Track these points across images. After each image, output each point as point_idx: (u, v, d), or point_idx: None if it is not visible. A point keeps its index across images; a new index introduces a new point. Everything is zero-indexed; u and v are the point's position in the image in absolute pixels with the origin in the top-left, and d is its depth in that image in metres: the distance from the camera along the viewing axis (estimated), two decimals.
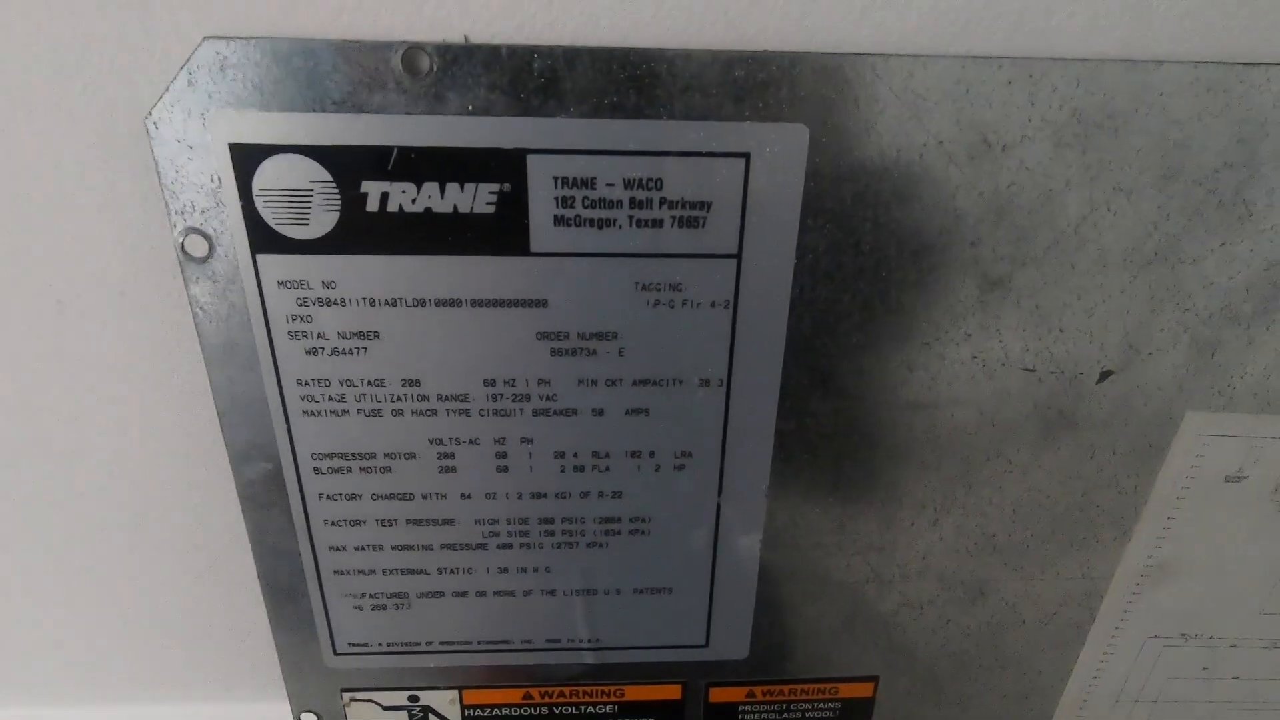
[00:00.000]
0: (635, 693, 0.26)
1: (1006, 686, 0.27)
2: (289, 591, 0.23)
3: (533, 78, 0.17)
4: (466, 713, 0.26)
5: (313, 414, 0.20)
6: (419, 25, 0.17)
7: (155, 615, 0.26)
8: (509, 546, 0.23)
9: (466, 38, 0.17)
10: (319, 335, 0.19)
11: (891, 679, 0.27)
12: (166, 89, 0.16)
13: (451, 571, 0.23)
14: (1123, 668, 0.27)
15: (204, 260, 0.18)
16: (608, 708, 0.26)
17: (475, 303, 0.19)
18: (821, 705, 0.27)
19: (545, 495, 0.22)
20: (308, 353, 0.19)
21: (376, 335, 0.19)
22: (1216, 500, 0.23)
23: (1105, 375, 0.21)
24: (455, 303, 0.19)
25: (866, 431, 0.22)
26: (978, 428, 0.22)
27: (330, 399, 0.20)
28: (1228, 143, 0.18)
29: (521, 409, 0.21)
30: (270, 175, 0.17)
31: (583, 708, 0.26)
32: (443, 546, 0.23)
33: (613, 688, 0.26)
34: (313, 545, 0.22)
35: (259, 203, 0.18)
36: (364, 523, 0.22)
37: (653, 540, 0.23)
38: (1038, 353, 0.21)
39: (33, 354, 0.20)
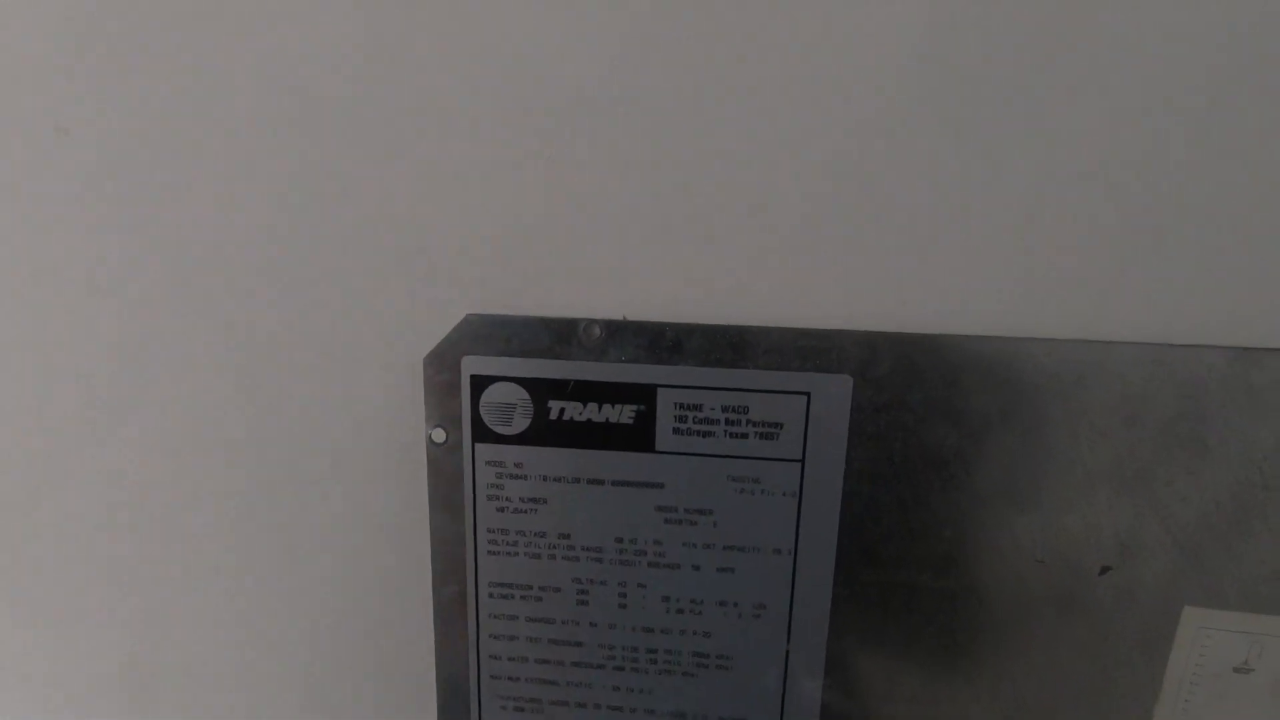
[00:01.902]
0: None
1: None
2: (456, 688, 0.30)
3: (665, 341, 0.26)
4: None
5: (494, 553, 0.29)
6: (596, 307, 0.26)
7: (342, 697, 0.33)
8: (621, 669, 0.29)
9: (625, 316, 0.26)
10: (506, 498, 0.28)
11: None
12: (440, 341, 0.27)
13: (576, 685, 0.30)
14: None
15: (442, 444, 0.28)
16: None
17: (614, 482, 0.27)
18: None
19: (653, 630, 0.29)
20: (498, 510, 0.28)
21: (545, 501, 0.28)
22: (1229, 689, 0.27)
23: (1105, 570, 0.26)
24: (600, 482, 0.27)
25: (905, 599, 0.27)
26: (999, 605, 0.27)
27: (507, 543, 0.28)
28: (1176, 399, 0.24)
29: (640, 561, 0.28)
30: (492, 394, 0.27)
31: None
32: (572, 664, 0.30)
33: None
34: (479, 653, 0.30)
35: (482, 411, 0.27)
36: (517, 639, 0.29)
37: (734, 675, 0.29)
38: (1045, 547, 0.26)
39: (319, 494, 0.30)
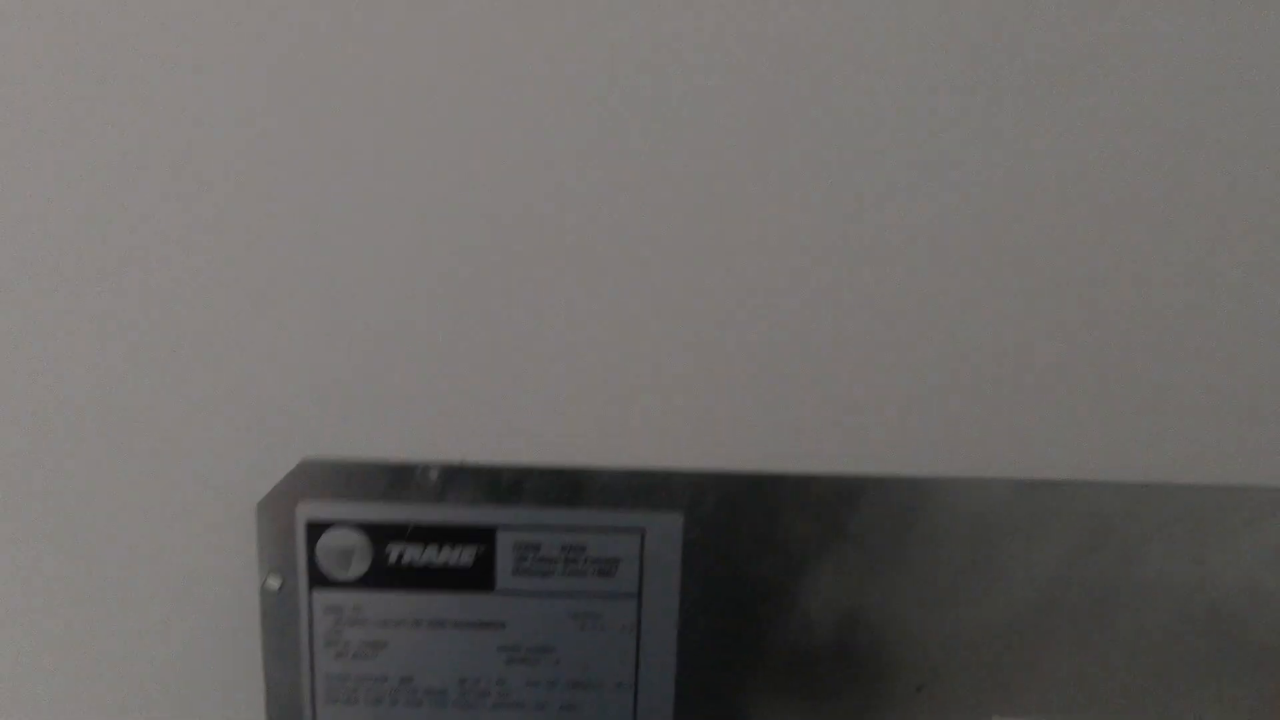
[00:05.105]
0: None
1: None
2: None
3: (503, 484, 0.27)
4: None
5: (333, 700, 0.28)
6: (434, 452, 0.27)
7: None
8: None
9: (464, 460, 0.27)
10: (345, 644, 0.27)
11: None
12: (274, 486, 0.26)
13: None
14: None
15: (277, 591, 0.27)
16: None
17: (455, 624, 0.27)
18: None
19: None
20: (336, 656, 0.27)
21: (385, 645, 0.27)
22: None
23: (920, 687, 0.28)
24: (441, 624, 0.27)
25: None
26: None
27: (347, 690, 0.28)
28: (971, 528, 0.27)
29: (485, 702, 0.28)
30: (329, 540, 0.27)
31: None
32: None
33: None
34: None
35: (319, 557, 0.27)
36: None
37: None
38: (866, 667, 0.28)
39: (147, 648, 0.29)
